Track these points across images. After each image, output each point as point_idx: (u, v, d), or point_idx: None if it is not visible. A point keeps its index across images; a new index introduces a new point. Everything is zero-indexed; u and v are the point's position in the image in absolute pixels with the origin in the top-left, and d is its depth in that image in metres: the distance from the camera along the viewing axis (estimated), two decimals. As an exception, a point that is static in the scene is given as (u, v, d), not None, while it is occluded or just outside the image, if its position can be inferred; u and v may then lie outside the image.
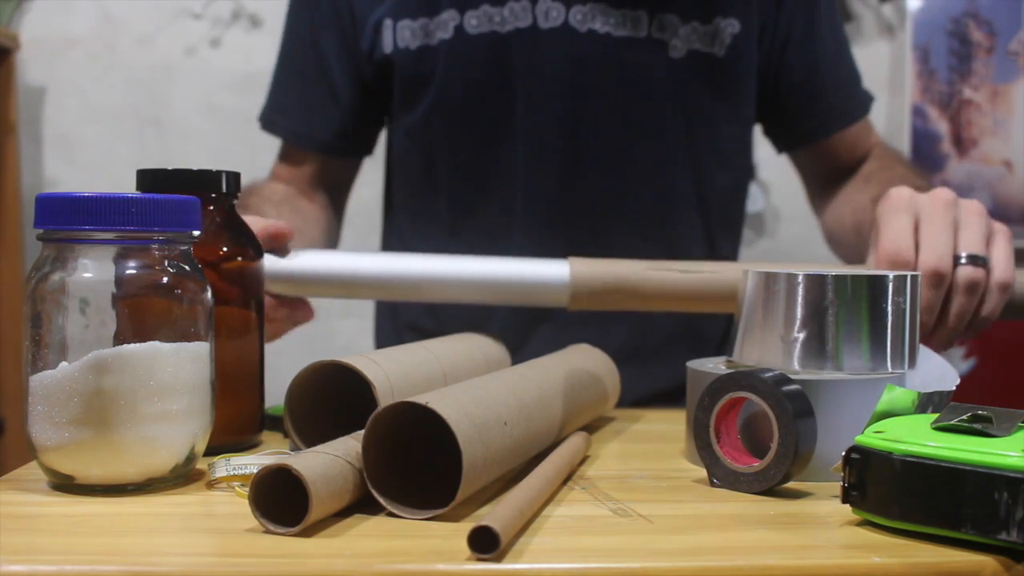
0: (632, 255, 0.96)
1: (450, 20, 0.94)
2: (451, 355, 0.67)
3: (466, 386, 0.53)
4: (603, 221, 0.95)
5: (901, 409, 0.52)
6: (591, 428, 0.72)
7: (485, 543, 0.42)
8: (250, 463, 0.54)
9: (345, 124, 1.00)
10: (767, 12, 0.97)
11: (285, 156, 1.04)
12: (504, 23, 0.93)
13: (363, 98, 0.99)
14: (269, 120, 1.03)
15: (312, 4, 0.99)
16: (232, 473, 0.54)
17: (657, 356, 0.98)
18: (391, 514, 0.48)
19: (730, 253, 1.03)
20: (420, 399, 0.48)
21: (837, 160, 1.03)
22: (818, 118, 1.01)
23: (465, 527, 0.45)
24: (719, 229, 1.00)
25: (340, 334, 2.01)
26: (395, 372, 0.59)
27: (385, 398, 0.57)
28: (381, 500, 0.48)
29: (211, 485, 0.54)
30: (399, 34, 0.95)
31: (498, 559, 0.42)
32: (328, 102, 0.99)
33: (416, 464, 0.52)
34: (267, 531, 0.45)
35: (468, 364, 0.68)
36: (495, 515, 0.43)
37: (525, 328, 0.95)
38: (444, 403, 0.48)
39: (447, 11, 0.93)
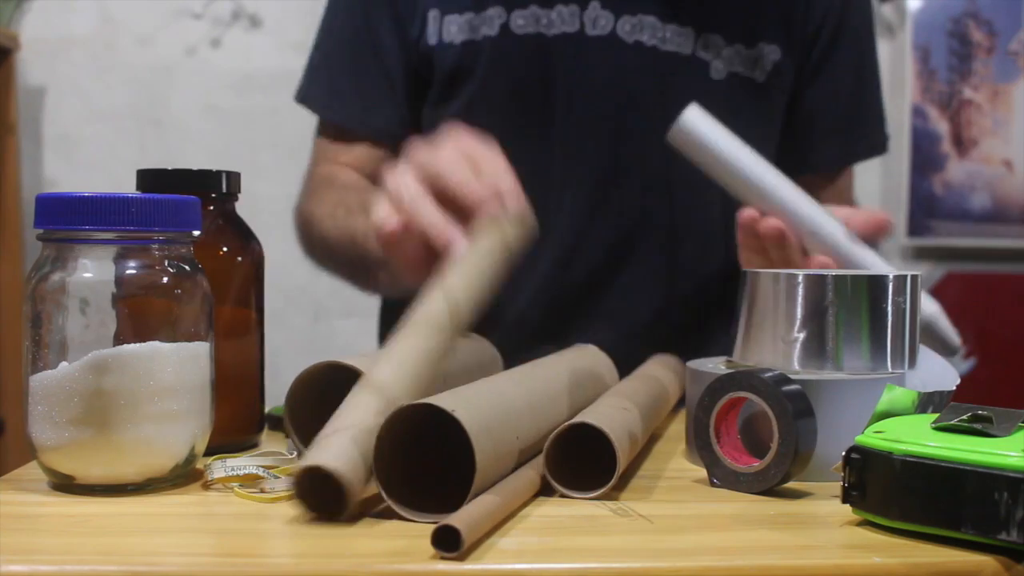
0: (659, 268, 0.96)
1: (496, 17, 0.93)
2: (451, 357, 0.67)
3: (488, 393, 0.53)
4: (636, 233, 0.95)
5: (901, 409, 0.52)
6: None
7: (449, 542, 0.42)
8: (246, 464, 0.54)
9: (400, 111, 0.99)
10: (805, 42, 0.97)
11: (338, 138, 1.00)
12: (551, 26, 0.92)
13: (414, 86, 0.99)
14: (324, 105, 1.00)
15: None
16: (229, 474, 0.54)
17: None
18: (391, 515, 0.48)
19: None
20: (445, 405, 0.48)
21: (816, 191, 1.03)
22: (821, 152, 1.02)
23: (465, 527, 0.45)
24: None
25: (340, 334, 2.01)
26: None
27: None
28: (396, 508, 0.48)
29: (207, 486, 0.54)
30: (445, 28, 0.94)
31: (462, 558, 0.42)
32: (384, 88, 0.98)
33: (420, 460, 0.52)
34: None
35: (465, 365, 0.68)
36: (460, 515, 0.43)
37: (527, 338, 0.94)
38: (468, 413, 0.48)
39: (493, 7, 0.93)
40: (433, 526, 0.42)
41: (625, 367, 0.85)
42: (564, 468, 0.54)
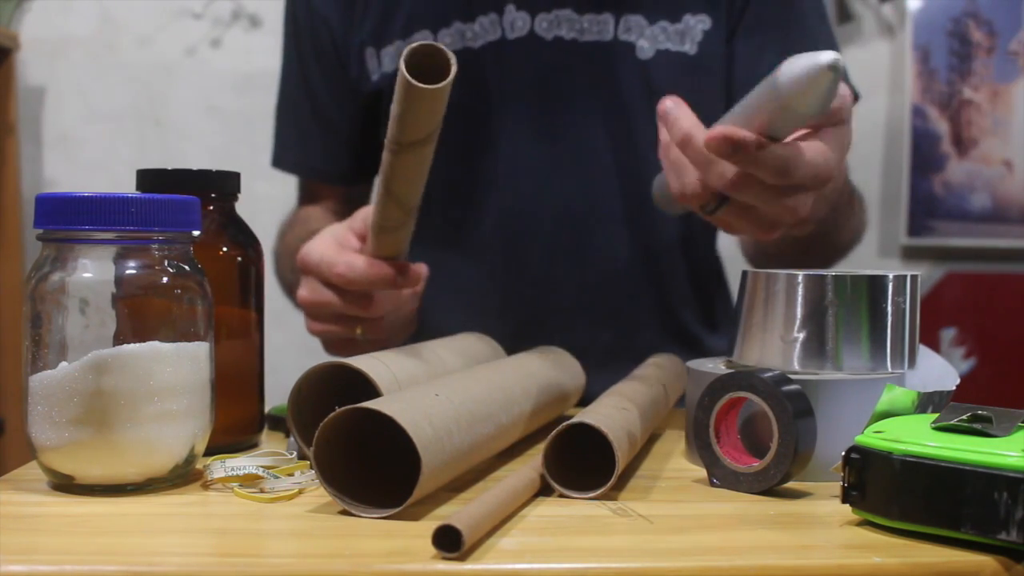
0: (613, 257, 0.96)
1: (424, 40, 0.94)
2: (452, 355, 0.67)
3: (427, 389, 0.54)
4: (583, 226, 0.95)
5: (901, 409, 0.52)
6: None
7: (449, 542, 0.42)
8: (246, 464, 0.54)
9: (346, 155, 1.02)
10: (730, 5, 0.95)
11: (306, 193, 1.06)
12: (476, 38, 0.93)
13: (362, 125, 1.00)
14: (277, 158, 1.06)
15: (298, 41, 1.01)
16: (228, 475, 0.54)
17: (644, 357, 0.98)
18: (391, 515, 0.48)
19: (708, 251, 1.03)
20: (374, 405, 0.48)
21: None
22: None
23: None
24: (698, 226, 1.00)
25: (340, 334, 2.00)
26: (401, 372, 0.59)
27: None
28: (344, 503, 0.48)
29: (207, 486, 0.54)
30: (383, 60, 0.96)
31: (462, 558, 0.42)
32: (326, 135, 1.01)
33: (365, 460, 0.52)
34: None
35: (468, 363, 0.68)
36: (460, 516, 0.43)
37: (514, 334, 0.94)
38: (396, 407, 0.48)
39: (420, 32, 0.94)
40: (431, 525, 0.42)
41: (590, 354, 0.85)
42: (563, 468, 0.54)
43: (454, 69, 0.57)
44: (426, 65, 0.58)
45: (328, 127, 1.01)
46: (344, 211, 1.01)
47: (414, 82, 0.57)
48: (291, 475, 0.54)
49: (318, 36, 0.99)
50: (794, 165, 0.59)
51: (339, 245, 0.76)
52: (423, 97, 0.58)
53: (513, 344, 0.79)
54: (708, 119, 0.96)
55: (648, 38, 0.93)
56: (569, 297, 0.96)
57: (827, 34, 0.99)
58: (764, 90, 0.59)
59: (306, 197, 1.07)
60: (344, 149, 1.02)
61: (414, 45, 0.58)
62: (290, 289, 0.99)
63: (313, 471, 0.53)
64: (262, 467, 0.54)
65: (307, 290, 0.77)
